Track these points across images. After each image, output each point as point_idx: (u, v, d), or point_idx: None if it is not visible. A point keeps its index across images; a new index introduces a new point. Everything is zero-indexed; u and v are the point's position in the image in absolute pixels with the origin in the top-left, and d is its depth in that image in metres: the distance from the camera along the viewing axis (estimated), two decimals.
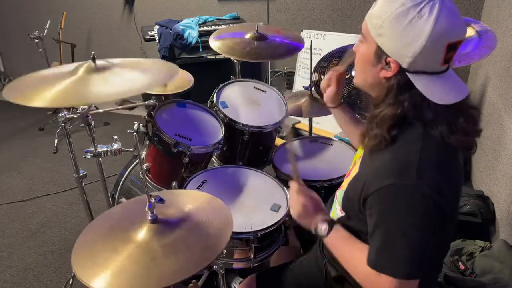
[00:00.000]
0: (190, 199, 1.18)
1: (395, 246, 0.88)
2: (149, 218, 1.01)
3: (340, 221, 1.11)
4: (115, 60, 1.38)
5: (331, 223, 1.05)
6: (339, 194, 1.14)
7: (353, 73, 1.77)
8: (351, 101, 1.76)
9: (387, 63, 0.91)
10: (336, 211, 1.15)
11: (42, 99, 1.13)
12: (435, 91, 0.88)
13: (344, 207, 1.08)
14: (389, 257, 0.88)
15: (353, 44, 1.04)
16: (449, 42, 0.85)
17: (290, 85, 3.57)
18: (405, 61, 0.87)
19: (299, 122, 3.02)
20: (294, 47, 1.95)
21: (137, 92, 1.23)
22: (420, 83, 0.88)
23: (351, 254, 1.00)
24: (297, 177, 1.16)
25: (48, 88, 1.18)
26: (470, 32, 1.84)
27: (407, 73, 0.89)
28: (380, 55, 0.92)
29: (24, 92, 1.19)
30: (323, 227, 1.04)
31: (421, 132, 0.91)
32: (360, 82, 1.03)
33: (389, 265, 0.88)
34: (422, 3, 0.84)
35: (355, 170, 1.08)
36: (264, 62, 3.61)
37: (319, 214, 1.08)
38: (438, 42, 0.85)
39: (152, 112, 1.65)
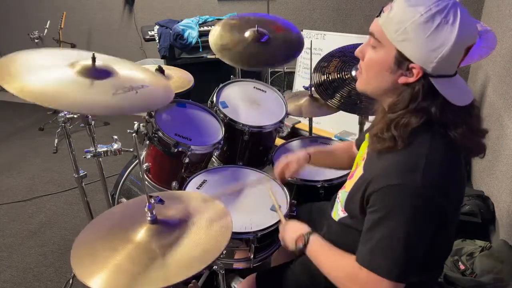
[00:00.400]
0: (191, 201, 1.18)
1: (393, 247, 0.87)
2: (149, 218, 1.01)
3: (342, 221, 1.12)
4: (115, 66, 1.34)
5: (307, 236, 1.08)
6: (341, 194, 1.14)
7: (353, 73, 1.78)
8: (351, 101, 1.76)
9: (408, 69, 0.90)
10: (338, 212, 1.15)
11: (20, 89, 1.06)
12: (454, 93, 0.89)
13: (346, 207, 1.08)
14: (385, 257, 0.88)
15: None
16: (467, 46, 0.87)
17: (290, 85, 3.57)
18: (430, 66, 0.87)
19: (299, 122, 3.01)
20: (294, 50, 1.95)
21: (123, 113, 1.20)
22: (442, 87, 0.88)
23: (332, 257, 1.02)
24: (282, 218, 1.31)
25: (36, 77, 1.13)
26: None
27: (430, 78, 0.88)
28: (401, 61, 0.90)
29: (10, 73, 1.11)
30: (300, 242, 1.09)
31: (429, 135, 0.91)
32: (370, 89, 1.01)
33: (383, 265, 0.88)
34: (446, 8, 0.84)
35: (358, 172, 1.07)
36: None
37: (294, 233, 1.13)
38: (460, 46, 0.86)
39: (152, 112, 1.65)
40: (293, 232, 1.14)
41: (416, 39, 0.85)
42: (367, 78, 1.00)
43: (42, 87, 1.12)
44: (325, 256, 1.04)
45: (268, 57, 1.67)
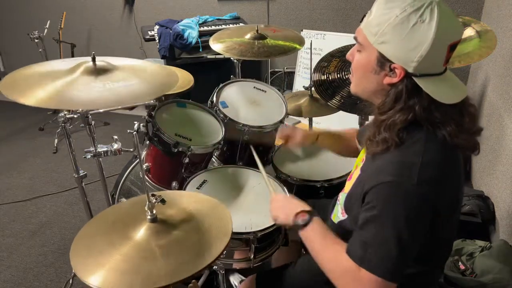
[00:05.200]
0: (192, 201, 1.18)
1: (385, 244, 0.87)
2: (148, 217, 1.02)
3: (341, 224, 1.11)
4: (115, 62, 1.37)
5: (310, 213, 1.05)
6: (342, 197, 1.14)
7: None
8: (351, 101, 1.76)
9: (391, 70, 0.91)
10: (338, 214, 1.15)
11: (35, 98, 1.14)
12: (441, 91, 0.89)
13: (346, 209, 1.08)
14: (377, 254, 0.88)
15: (353, 45, 1.04)
16: (450, 43, 0.87)
17: (290, 85, 3.57)
18: (411, 65, 0.88)
19: (299, 122, 3.01)
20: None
21: (132, 102, 1.23)
22: (427, 86, 0.89)
23: (330, 246, 0.99)
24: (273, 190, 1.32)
25: (44, 87, 1.19)
26: (470, 32, 1.84)
27: (413, 78, 0.89)
28: (383, 62, 0.92)
29: (21, 88, 1.19)
30: (301, 218, 1.05)
31: (424, 134, 0.91)
32: (360, 90, 1.03)
33: (375, 262, 0.88)
34: (422, 8, 0.85)
35: (356, 173, 1.08)
36: (264, 62, 3.61)
37: (295, 207, 1.09)
38: (441, 44, 0.86)
39: (152, 112, 1.65)
40: (293, 205, 1.11)
41: (394, 40, 0.88)
42: (355, 79, 1.03)
43: (57, 93, 1.19)
44: (324, 244, 1.00)
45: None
